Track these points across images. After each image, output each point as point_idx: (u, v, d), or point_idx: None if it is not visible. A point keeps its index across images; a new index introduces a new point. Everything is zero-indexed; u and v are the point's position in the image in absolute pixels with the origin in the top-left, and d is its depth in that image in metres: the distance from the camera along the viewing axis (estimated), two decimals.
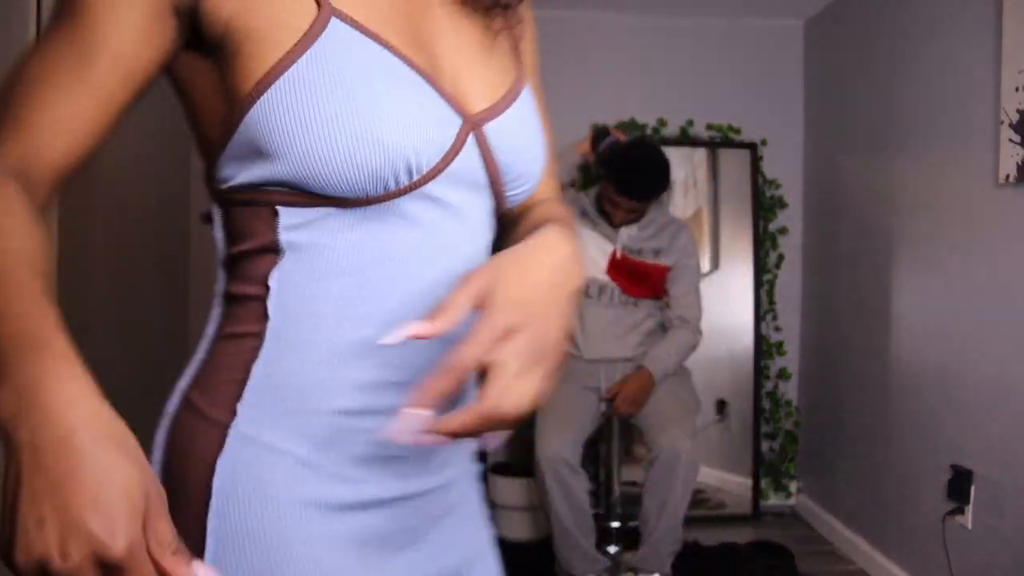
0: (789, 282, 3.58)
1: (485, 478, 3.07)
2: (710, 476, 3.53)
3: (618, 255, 2.75)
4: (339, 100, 0.61)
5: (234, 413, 0.65)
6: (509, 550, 3.56)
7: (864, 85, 3.04)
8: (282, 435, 0.65)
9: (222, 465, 0.64)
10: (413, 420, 0.57)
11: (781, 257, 3.56)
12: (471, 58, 0.73)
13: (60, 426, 0.48)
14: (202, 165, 0.69)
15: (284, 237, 0.65)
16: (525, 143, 0.74)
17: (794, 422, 3.57)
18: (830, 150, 3.35)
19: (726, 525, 3.37)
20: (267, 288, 0.66)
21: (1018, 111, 2.12)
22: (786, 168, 3.57)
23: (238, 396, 0.66)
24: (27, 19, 2.45)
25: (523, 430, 3.07)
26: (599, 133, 2.76)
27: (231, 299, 0.68)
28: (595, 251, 2.77)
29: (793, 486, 3.56)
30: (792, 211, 3.57)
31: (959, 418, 2.39)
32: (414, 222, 0.67)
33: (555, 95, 3.53)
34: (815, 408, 3.45)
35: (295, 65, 0.61)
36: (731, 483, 3.54)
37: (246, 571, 0.63)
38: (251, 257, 0.66)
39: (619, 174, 2.63)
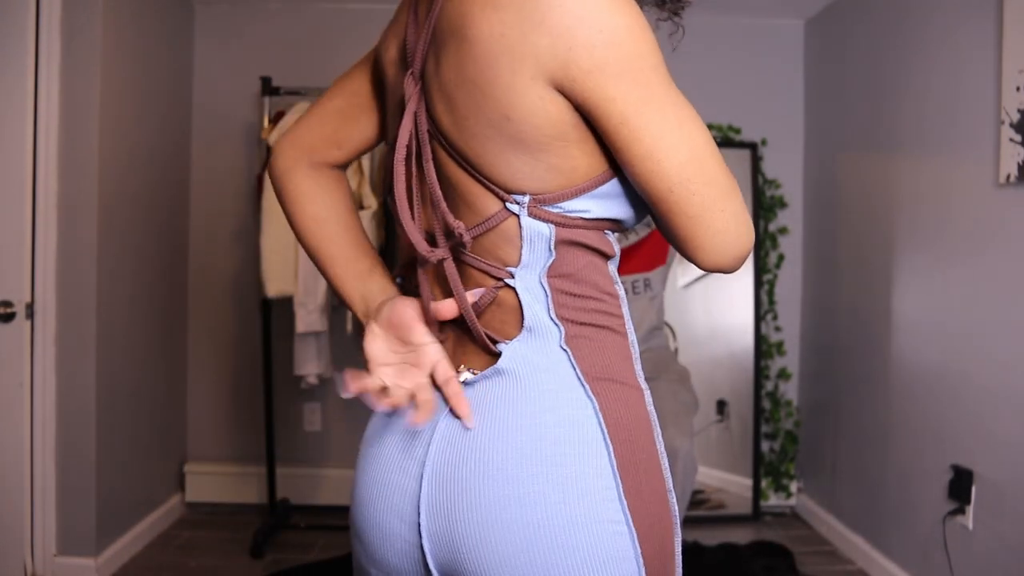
0: (789, 282, 3.58)
1: None
2: (710, 476, 3.53)
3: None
4: None
5: (643, 385, 0.86)
6: None
7: (864, 85, 3.03)
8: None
9: (653, 419, 0.87)
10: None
11: (781, 257, 3.56)
12: None
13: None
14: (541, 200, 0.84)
15: (617, 249, 0.90)
16: None
17: (794, 422, 3.56)
18: (830, 150, 3.35)
19: (726, 525, 3.36)
20: (617, 287, 0.89)
21: (1018, 111, 2.11)
22: (786, 168, 3.57)
23: (635, 371, 0.86)
24: (26, 19, 2.44)
25: None
26: None
27: (594, 295, 0.86)
28: None
29: (793, 486, 3.56)
30: (792, 211, 3.57)
31: (960, 418, 2.38)
32: None
33: None
34: (815, 408, 3.45)
35: None
36: (731, 483, 3.54)
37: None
38: (600, 263, 0.87)
39: None
